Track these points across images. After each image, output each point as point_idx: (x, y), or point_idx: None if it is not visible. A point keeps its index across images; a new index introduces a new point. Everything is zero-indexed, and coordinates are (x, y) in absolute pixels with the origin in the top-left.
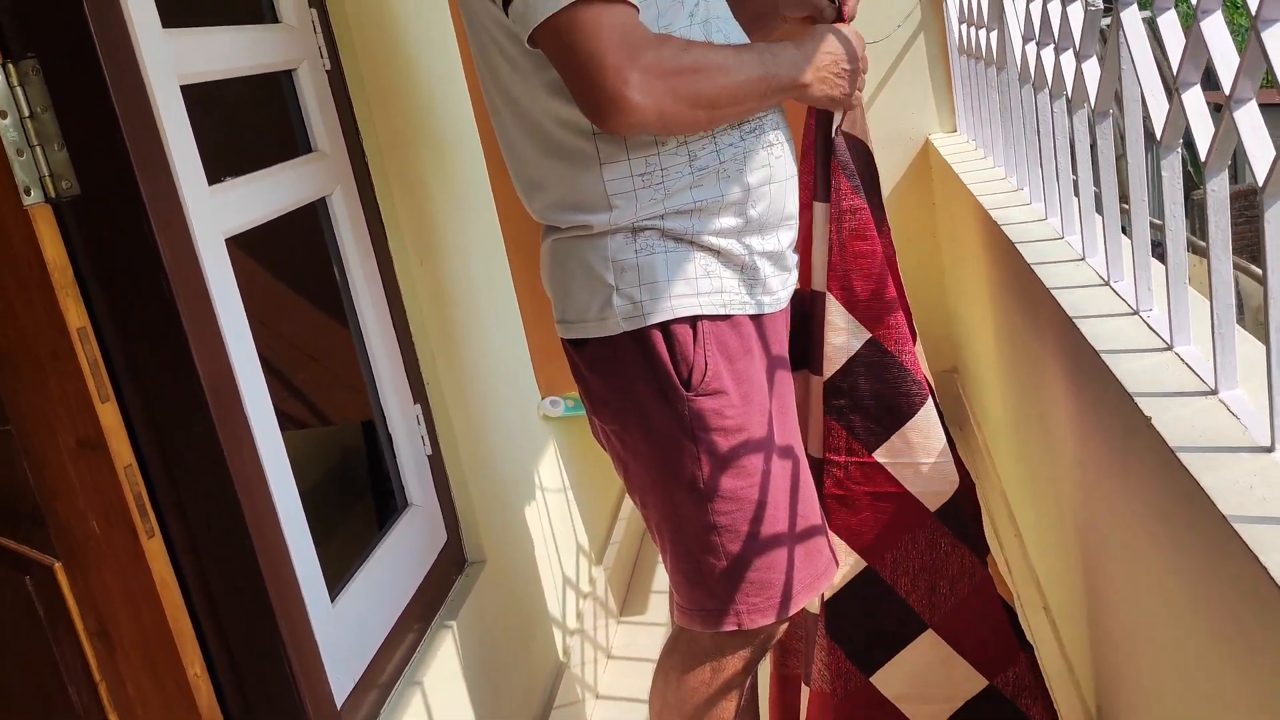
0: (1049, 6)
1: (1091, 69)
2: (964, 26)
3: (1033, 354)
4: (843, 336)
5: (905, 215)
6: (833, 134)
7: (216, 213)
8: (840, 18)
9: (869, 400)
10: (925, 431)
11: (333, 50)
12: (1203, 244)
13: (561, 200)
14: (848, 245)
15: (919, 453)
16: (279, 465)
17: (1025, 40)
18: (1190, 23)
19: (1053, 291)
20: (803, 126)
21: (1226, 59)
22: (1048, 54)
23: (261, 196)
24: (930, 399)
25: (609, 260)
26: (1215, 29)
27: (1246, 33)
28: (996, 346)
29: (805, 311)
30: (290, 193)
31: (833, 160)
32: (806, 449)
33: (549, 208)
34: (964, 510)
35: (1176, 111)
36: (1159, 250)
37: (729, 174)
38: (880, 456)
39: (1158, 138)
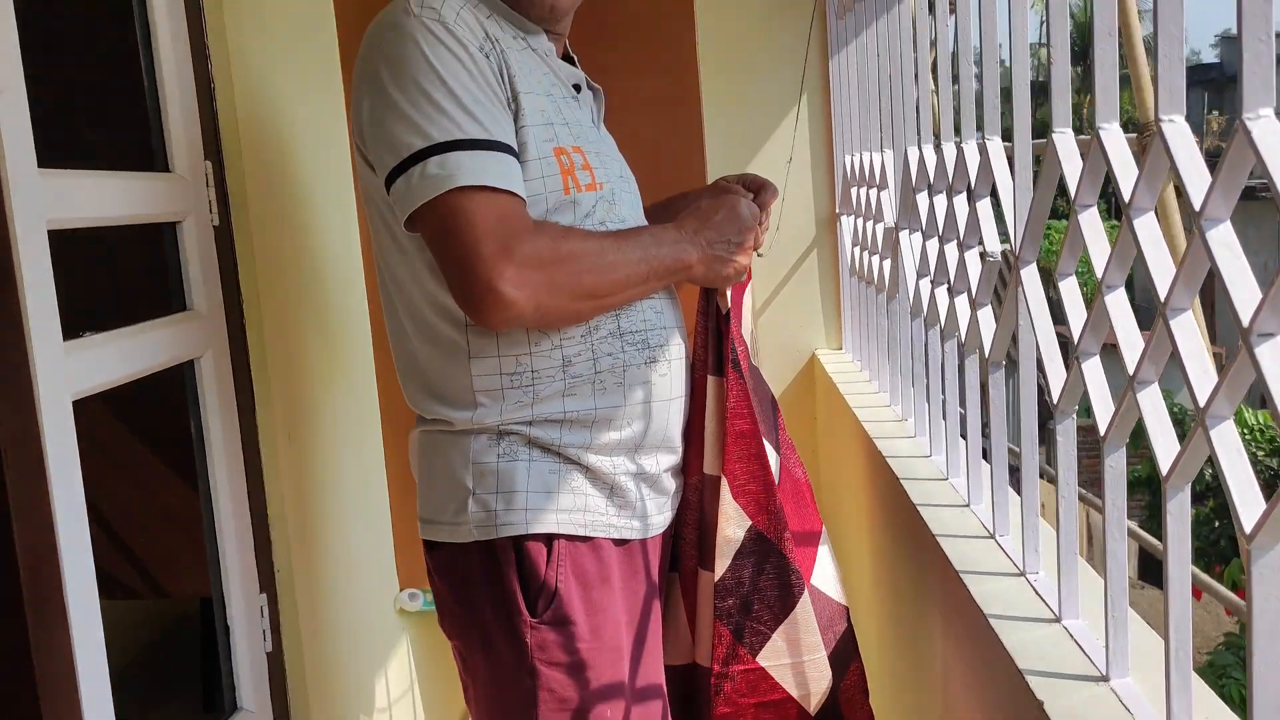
0: (945, 249)
1: (986, 317)
2: (856, 249)
3: (913, 596)
4: (731, 526)
5: (788, 429)
6: (722, 308)
7: (68, 372)
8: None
9: (753, 596)
10: (803, 626)
11: (224, 205)
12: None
13: (428, 389)
14: (731, 424)
15: (799, 650)
16: (93, 667)
17: (919, 275)
18: (1093, 295)
19: (938, 539)
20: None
21: (1131, 342)
22: (941, 293)
23: (123, 355)
24: (806, 592)
25: (469, 461)
26: (1118, 304)
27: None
28: (873, 575)
29: (700, 499)
30: (156, 353)
31: (725, 330)
32: (696, 658)
33: (416, 395)
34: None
35: (1075, 379)
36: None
37: (605, 386)
38: (764, 660)
39: (1053, 401)
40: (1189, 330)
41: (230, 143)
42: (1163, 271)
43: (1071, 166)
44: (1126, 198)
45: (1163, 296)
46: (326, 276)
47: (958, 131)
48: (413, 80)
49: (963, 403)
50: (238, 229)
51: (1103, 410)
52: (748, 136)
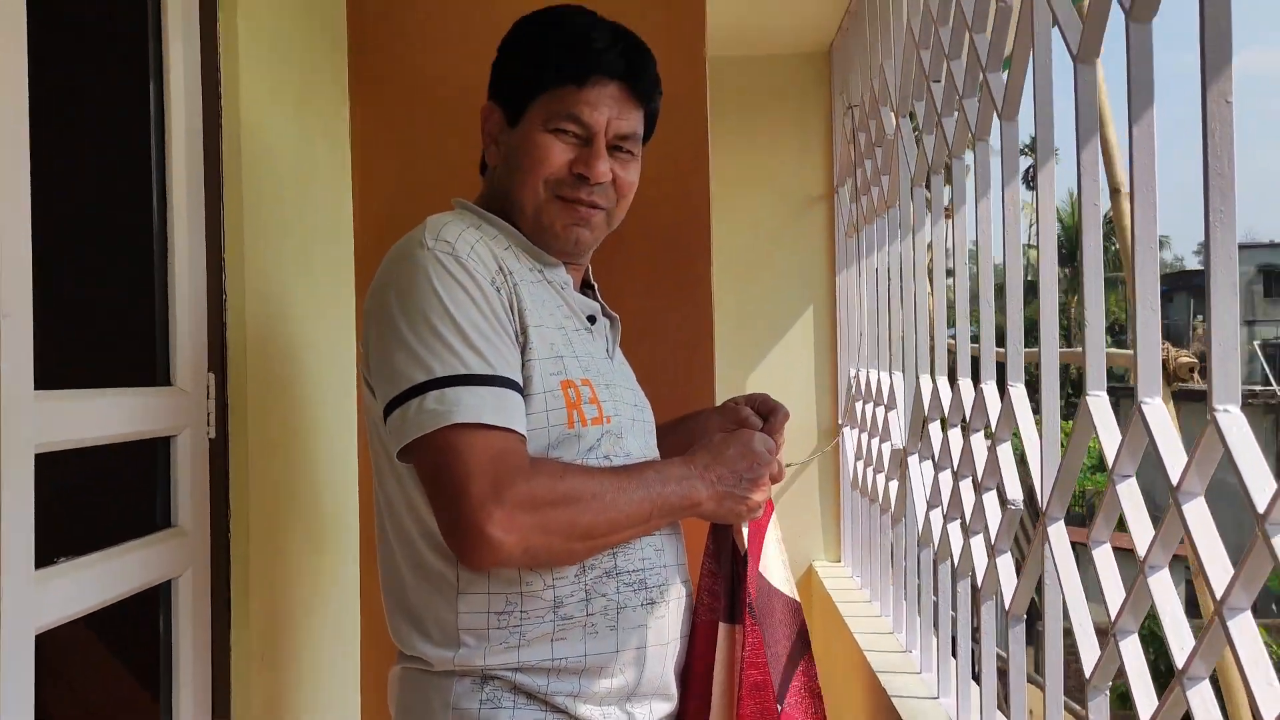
0: (960, 485)
1: (1006, 565)
2: (860, 463)
3: None
4: None
5: None
6: (740, 548)
7: (34, 605)
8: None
9: None
10: None
11: (222, 417)
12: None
13: (413, 622)
14: (746, 674)
15: None
16: None
17: (929, 506)
18: (1138, 575)
19: None
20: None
21: (1178, 635)
22: (954, 529)
23: (98, 581)
24: None
25: (449, 707)
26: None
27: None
28: None
29: None
30: (133, 577)
31: (743, 574)
32: None
33: (400, 628)
34: None
35: (1110, 655)
36: None
37: (597, 629)
38: None
39: (1087, 676)
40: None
41: (236, 354)
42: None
43: (1109, 436)
44: (1175, 480)
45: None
46: (321, 494)
47: (975, 367)
48: (420, 312)
49: (975, 638)
50: (234, 441)
51: (1144, 699)
52: (757, 340)
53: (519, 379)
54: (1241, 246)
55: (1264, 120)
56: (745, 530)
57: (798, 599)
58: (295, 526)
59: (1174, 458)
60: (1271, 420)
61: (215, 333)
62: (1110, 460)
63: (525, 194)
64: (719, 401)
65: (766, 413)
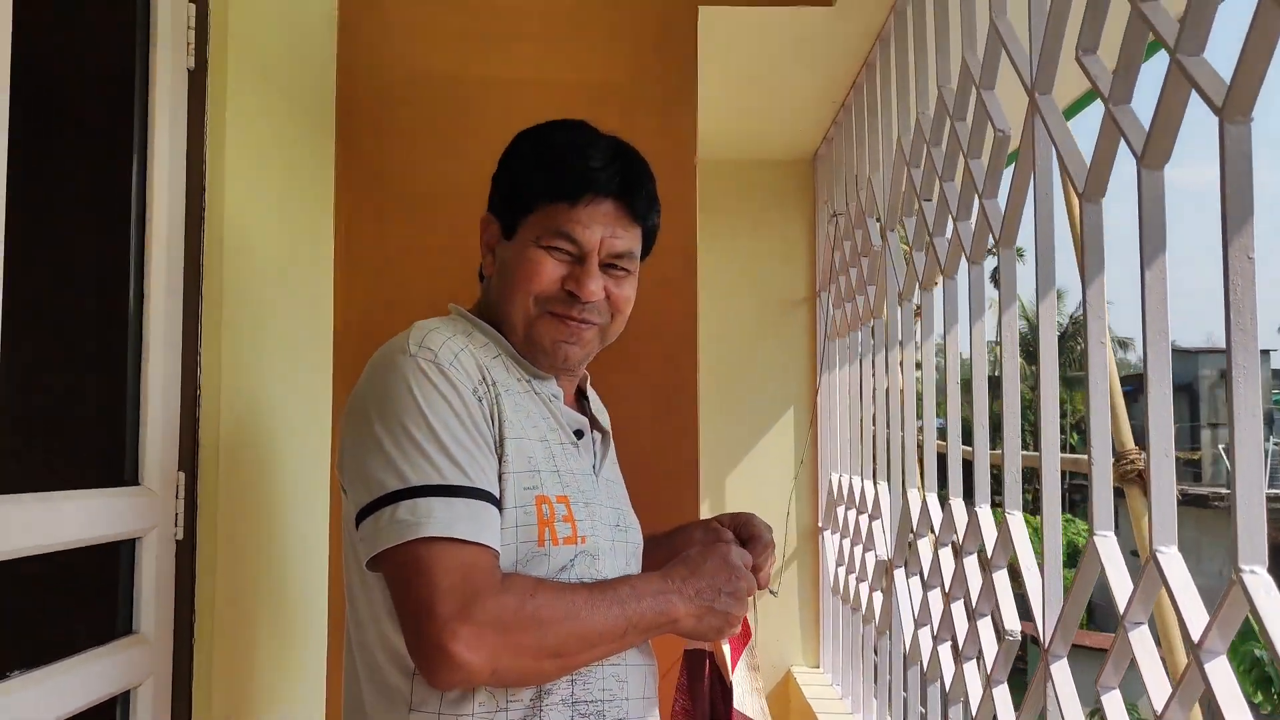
0: (951, 607)
1: (1002, 695)
2: (841, 570)
3: None
4: None
5: None
6: (725, 678)
7: None
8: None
9: None
10: None
11: (190, 516)
12: None
13: None
14: None
15: None
16: None
17: (919, 624)
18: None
19: None
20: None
21: None
22: (945, 651)
23: (53, 695)
24: None
25: None
26: None
27: None
28: None
29: None
30: (90, 690)
31: (728, 708)
32: None
33: None
34: None
35: None
36: None
37: None
38: None
39: None
40: None
41: (208, 452)
42: None
43: (1119, 578)
44: (1196, 639)
45: None
46: (290, 599)
47: (967, 491)
48: (398, 420)
49: None
50: (202, 542)
51: None
52: (740, 439)
53: (496, 491)
54: (1201, 351)
55: (1199, 231)
56: (727, 651)
57: None
58: (262, 630)
59: (1193, 612)
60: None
61: (188, 430)
62: (1121, 608)
63: (515, 308)
64: (701, 503)
65: (748, 537)
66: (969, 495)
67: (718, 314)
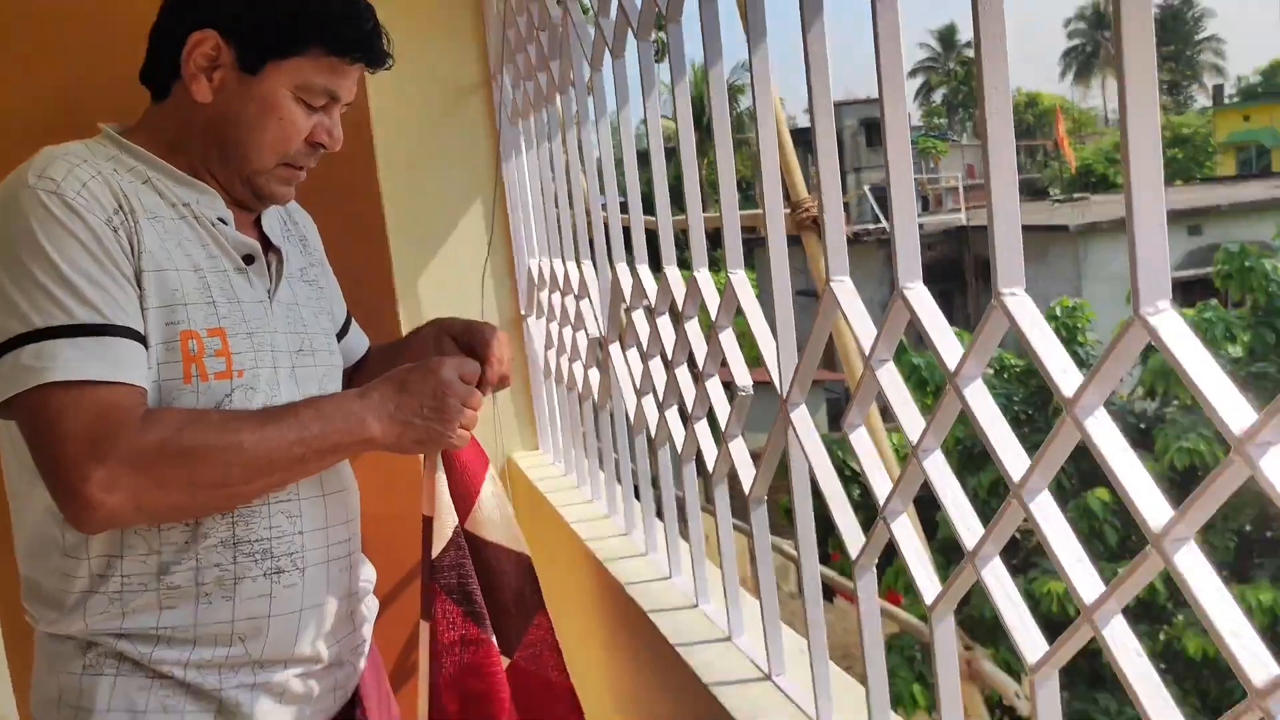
0: (676, 372)
1: (740, 450)
2: (551, 353)
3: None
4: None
5: None
6: (432, 548)
7: None
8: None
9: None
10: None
11: None
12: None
13: (28, 583)
14: (466, 682)
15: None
16: None
17: (640, 394)
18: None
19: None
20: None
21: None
22: (672, 415)
23: None
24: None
25: (53, 670)
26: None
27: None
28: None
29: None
30: None
31: (433, 584)
32: None
33: (24, 588)
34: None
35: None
36: None
37: (211, 600)
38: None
39: (852, 558)
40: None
41: None
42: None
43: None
44: (868, 350)
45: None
46: None
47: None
48: (17, 258)
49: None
50: None
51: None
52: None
53: (140, 326)
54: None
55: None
56: (439, 477)
57: (527, 553)
58: None
59: (948, 345)
60: (883, 254)
61: None
62: (867, 348)
63: (251, 157)
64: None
65: (473, 344)
66: (685, 265)
67: (389, 113)
